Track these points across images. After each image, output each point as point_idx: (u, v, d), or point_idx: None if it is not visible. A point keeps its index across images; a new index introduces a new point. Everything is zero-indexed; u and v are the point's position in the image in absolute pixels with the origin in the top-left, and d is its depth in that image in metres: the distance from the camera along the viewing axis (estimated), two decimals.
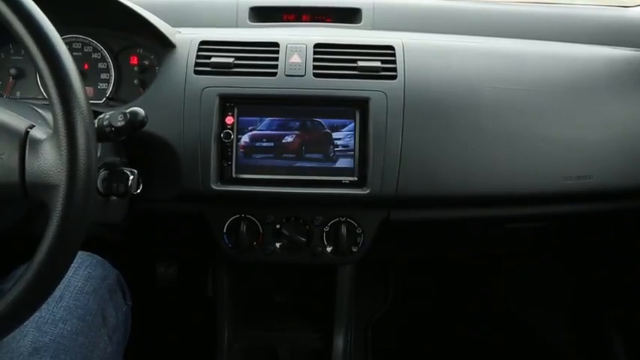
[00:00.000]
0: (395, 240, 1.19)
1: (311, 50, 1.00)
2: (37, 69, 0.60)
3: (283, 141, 0.97)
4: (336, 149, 0.97)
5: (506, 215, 1.06)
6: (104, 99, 1.05)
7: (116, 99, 1.06)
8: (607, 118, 1.03)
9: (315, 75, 0.97)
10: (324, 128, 0.97)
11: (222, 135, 0.95)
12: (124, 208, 0.97)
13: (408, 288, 1.70)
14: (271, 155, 0.97)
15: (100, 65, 1.06)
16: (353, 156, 0.96)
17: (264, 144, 0.97)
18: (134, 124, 0.79)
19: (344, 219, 1.01)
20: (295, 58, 0.99)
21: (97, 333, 0.85)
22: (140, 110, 0.80)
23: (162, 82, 0.98)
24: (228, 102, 0.96)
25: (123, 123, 0.78)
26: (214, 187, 0.95)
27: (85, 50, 1.06)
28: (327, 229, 1.02)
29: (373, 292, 1.67)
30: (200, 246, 1.28)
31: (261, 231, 1.02)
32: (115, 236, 1.10)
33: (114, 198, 0.88)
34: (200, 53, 0.99)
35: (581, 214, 1.10)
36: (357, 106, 0.96)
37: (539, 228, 1.19)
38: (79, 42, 1.06)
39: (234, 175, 0.97)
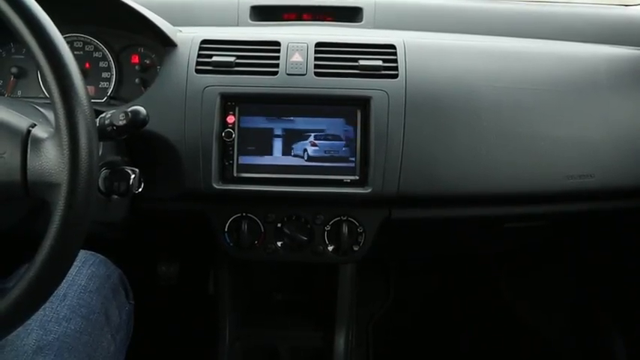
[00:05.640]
0: (396, 239, 1.19)
1: (312, 49, 1.00)
2: (39, 68, 0.61)
3: (284, 140, 0.97)
4: (337, 148, 0.97)
5: (508, 214, 1.06)
6: (105, 98, 1.05)
7: (117, 98, 1.06)
8: (608, 116, 1.03)
9: (317, 74, 0.97)
10: (325, 127, 0.97)
11: (223, 134, 0.95)
12: (125, 207, 0.97)
13: (409, 288, 1.70)
14: (272, 154, 0.97)
15: (102, 64, 1.06)
16: (354, 155, 0.96)
17: (265, 143, 0.97)
18: (135, 122, 0.79)
19: (345, 218, 1.01)
20: (296, 57, 0.99)
21: (100, 332, 0.86)
22: (141, 109, 0.80)
23: (163, 81, 0.98)
24: (230, 101, 0.96)
25: (124, 122, 0.78)
26: (215, 186, 0.95)
27: (87, 49, 1.06)
28: (328, 228, 1.02)
29: (374, 292, 1.67)
30: (201, 245, 1.28)
31: (262, 230, 1.02)
32: (116, 235, 1.10)
33: (115, 197, 0.88)
34: (201, 52, 0.99)
35: (583, 214, 1.10)
36: (359, 105, 0.96)
37: (541, 227, 1.19)
38: (80, 41, 1.06)
39: (235, 175, 0.97)
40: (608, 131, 1.02)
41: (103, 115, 0.80)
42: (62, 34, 0.62)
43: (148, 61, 1.06)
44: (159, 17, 1.01)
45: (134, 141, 0.94)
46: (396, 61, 0.99)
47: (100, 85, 1.06)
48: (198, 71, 0.97)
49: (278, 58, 0.99)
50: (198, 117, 0.95)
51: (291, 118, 0.97)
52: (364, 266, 1.20)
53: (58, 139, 0.61)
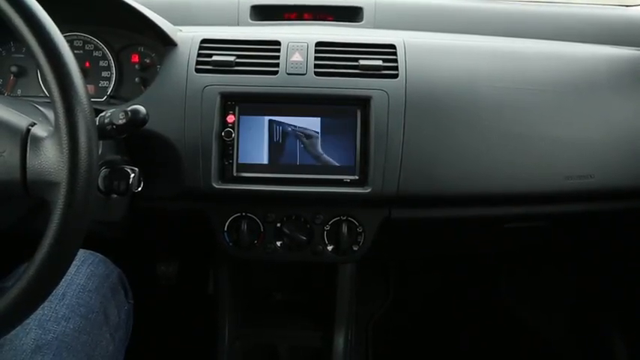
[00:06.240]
0: (396, 239, 1.19)
1: (312, 49, 1.00)
2: (39, 67, 0.61)
3: (284, 139, 0.97)
4: (337, 148, 0.97)
5: (508, 214, 1.06)
6: (105, 97, 1.05)
7: (117, 97, 1.06)
8: (608, 117, 1.03)
9: (317, 74, 0.97)
10: (325, 127, 0.97)
11: (223, 133, 0.95)
12: (124, 206, 0.97)
13: (409, 287, 1.70)
14: (272, 154, 0.97)
15: (102, 63, 1.06)
16: (354, 155, 0.96)
17: (265, 142, 0.97)
18: (135, 121, 0.79)
19: (345, 218, 1.01)
20: (296, 57, 0.99)
21: (99, 331, 0.86)
22: (141, 108, 0.80)
23: (163, 81, 0.98)
24: (230, 100, 0.96)
25: (124, 121, 0.78)
26: (215, 185, 0.95)
27: (87, 48, 1.06)
28: (327, 227, 1.02)
29: (374, 292, 1.67)
30: (201, 244, 1.28)
31: (262, 229, 1.02)
32: (115, 234, 1.10)
33: (115, 196, 0.88)
34: (201, 52, 0.99)
35: (583, 214, 1.10)
36: (359, 105, 0.96)
37: (540, 227, 1.19)
38: (80, 40, 1.06)
39: (235, 174, 0.97)
40: (608, 132, 1.02)
41: (102, 114, 0.80)
42: (62, 33, 0.62)
43: (148, 61, 1.06)
44: (159, 16, 1.01)
45: (134, 140, 0.94)
46: (396, 60, 0.99)
47: (99, 84, 1.06)
48: (198, 70, 0.97)
49: (278, 57, 0.99)
50: (198, 116, 0.95)
51: (291, 117, 0.97)
52: (364, 266, 1.20)
53: (58, 137, 0.61)
